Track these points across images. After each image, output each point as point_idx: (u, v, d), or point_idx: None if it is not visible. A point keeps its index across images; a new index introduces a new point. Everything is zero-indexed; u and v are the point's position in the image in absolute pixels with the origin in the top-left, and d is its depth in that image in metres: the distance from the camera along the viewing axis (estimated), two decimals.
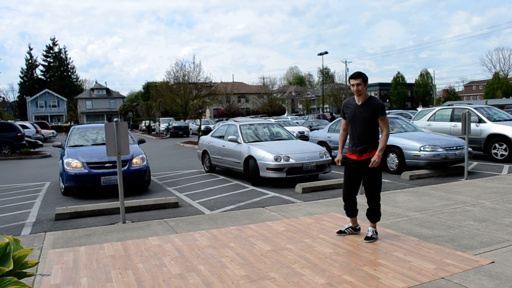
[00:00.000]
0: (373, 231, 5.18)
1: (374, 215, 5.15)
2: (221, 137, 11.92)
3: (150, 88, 59.96)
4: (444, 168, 10.84)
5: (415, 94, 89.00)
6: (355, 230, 5.44)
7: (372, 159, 4.93)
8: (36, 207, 8.33)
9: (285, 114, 61.41)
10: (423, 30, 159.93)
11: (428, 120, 15.22)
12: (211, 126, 34.69)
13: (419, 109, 19.67)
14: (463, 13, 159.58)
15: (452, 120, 14.33)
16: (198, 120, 28.13)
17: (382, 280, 3.91)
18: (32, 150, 23.03)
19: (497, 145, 12.75)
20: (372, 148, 5.02)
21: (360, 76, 4.98)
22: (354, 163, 5.12)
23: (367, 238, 5.13)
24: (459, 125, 12.05)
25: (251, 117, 32.81)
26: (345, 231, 5.43)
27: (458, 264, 4.24)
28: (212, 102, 51.95)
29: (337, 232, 5.45)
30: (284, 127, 12.88)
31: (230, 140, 11.02)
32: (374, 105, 4.97)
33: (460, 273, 4.02)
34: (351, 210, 5.31)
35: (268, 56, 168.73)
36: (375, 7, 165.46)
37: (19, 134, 22.08)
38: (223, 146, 11.44)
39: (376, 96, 5.09)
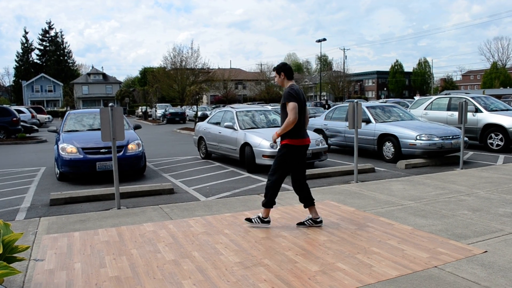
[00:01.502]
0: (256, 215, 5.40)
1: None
2: (218, 123, 11.88)
3: (147, 73, 59.54)
4: (440, 157, 10.86)
5: (413, 82, 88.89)
6: (315, 222, 5.29)
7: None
8: (31, 192, 8.31)
9: None
10: (422, 18, 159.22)
11: (425, 109, 15.20)
12: (208, 112, 34.58)
13: (416, 97, 19.61)
14: (463, 1, 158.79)
15: (449, 109, 14.32)
16: (195, 106, 28.04)
17: (375, 268, 3.92)
18: (27, 135, 22.97)
19: (493, 135, 12.77)
20: (286, 136, 5.09)
21: (274, 70, 5.32)
22: None
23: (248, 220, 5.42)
24: (455, 114, 12.04)
25: (248, 104, 32.71)
26: (305, 222, 5.32)
27: (451, 253, 4.26)
28: (209, 89, 51.74)
29: (297, 224, 5.36)
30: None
31: (226, 127, 10.99)
32: (283, 93, 5.17)
33: (453, 262, 4.04)
34: (300, 198, 5.34)
35: (266, 43, 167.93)
36: None
37: (15, 118, 21.98)
38: (219, 132, 11.40)
39: (295, 85, 5.18)
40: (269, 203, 5.24)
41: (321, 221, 5.32)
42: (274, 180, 5.19)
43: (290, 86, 5.13)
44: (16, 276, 3.80)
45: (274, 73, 5.35)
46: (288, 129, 5.00)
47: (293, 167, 5.23)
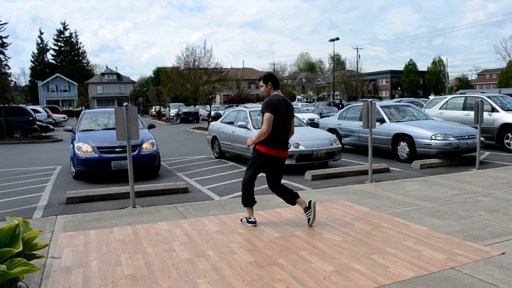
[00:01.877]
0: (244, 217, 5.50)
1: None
2: (231, 123, 11.90)
3: (160, 73, 59.94)
4: (456, 157, 10.73)
5: (427, 82, 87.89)
6: (308, 209, 5.25)
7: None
8: (48, 190, 8.43)
9: (308, 101, 60.73)
10: (437, 16, 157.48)
11: (440, 109, 15.04)
12: (221, 112, 34.66)
13: (431, 97, 19.42)
14: (478, 0, 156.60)
15: (464, 108, 14.15)
16: (208, 106, 28.12)
17: (391, 269, 3.90)
18: (43, 134, 23.29)
19: (509, 135, 12.57)
20: (261, 142, 5.13)
21: (260, 80, 5.34)
22: None
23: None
24: (471, 114, 11.89)
25: (261, 104, 32.68)
26: (310, 221, 5.30)
27: (468, 255, 4.21)
28: (222, 88, 51.83)
29: (310, 224, 5.32)
30: (294, 114, 12.81)
31: (240, 126, 11.00)
32: (262, 103, 5.18)
33: (470, 263, 3.99)
34: (282, 198, 5.42)
35: (279, 42, 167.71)
36: None
37: (31, 118, 22.29)
38: (233, 132, 11.42)
39: (277, 95, 5.24)
40: (247, 202, 5.37)
41: (310, 203, 5.24)
42: (244, 178, 5.37)
43: (270, 97, 5.18)
44: (34, 273, 3.86)
45: (260, 83, 5.34)
46: (261, 139, 5.08)
47: (266, 172, 5.35)
